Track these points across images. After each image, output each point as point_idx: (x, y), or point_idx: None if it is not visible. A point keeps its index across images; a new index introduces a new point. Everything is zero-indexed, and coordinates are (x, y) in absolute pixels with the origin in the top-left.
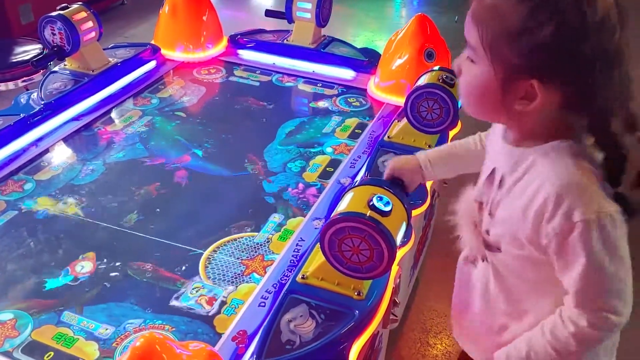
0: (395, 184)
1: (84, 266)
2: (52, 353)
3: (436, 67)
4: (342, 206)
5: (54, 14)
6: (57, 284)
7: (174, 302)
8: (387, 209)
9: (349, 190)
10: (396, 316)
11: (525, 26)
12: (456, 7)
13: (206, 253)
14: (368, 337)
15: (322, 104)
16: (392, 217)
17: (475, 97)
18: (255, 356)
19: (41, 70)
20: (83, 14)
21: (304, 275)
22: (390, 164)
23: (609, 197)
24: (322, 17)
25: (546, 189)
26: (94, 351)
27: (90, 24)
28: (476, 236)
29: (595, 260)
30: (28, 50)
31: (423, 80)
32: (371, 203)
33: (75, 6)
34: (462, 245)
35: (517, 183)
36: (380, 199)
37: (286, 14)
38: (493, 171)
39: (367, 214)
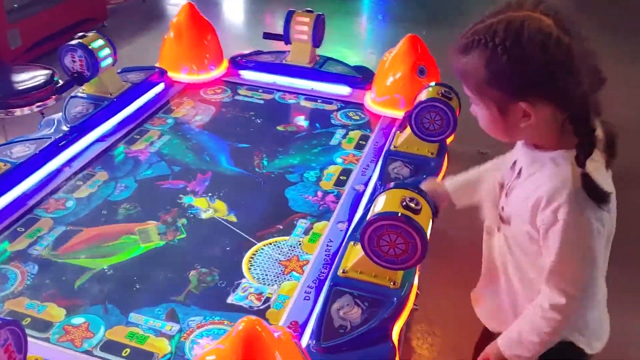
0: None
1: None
2: (129, 350)
3: (433, 83)
4: (378, 207)
5: (74, 42)
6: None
7: (227, 301)
8: (418, 207)
9: (381, 193)
10: (416, 305)
11: (491, 71)
12: (422, 22)
13: (247, 257)
14: (404, 319)
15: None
16: (422, 215)
17: (490, 129)
18: (314, 341)
19: (54, 97)
20: (100, 42)
21: (344, 269)
22: (423, 187)
23: (594, 202)
24: (317, 38)
25: (546, 187)
26: (166, 346)
27: (107, 50)
28: (494, 210)
29: (565, 251)
30: (37, 76)
31: (424, 95)
32: (404, 203)
33: (91, 34)
34: (483, 217)
35: (530, 177)
36: (411, 199)
37: (284, 36)
38: (515, 163)
39: (402, 213)
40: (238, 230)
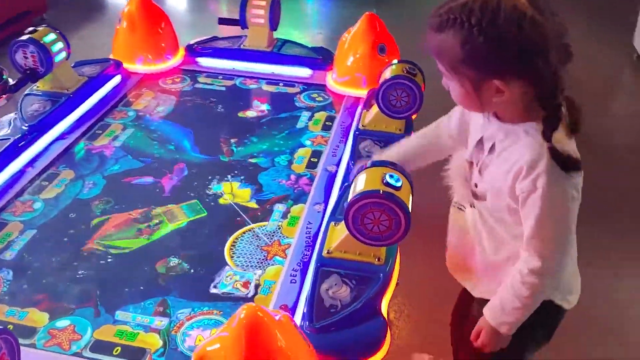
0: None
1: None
2: (119, 348)
3: (395, 61)
4: (360, 186)
5: (24, 37)
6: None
7: (213, 290)
8: (399, 184)
9: (360, 173)
10: (398, 281)
11: (466, 51)
12: (369, 1)
13: (228, 245)
14: (391, 293)
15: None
16: (403, 190)
17: (463, 104)
18: (307, 322)
19: (4, 96)
20: (53, 36)
21: (328, 250)
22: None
23: (566, 171)
24: (274, 21)
25: (525, 158)
26: (157, 341)
27: (60, 44)
28: (465, 188)
29: (543, 217)
30: None
31: (389, 73)
32: (385, 181)
33: (42, 28)
34: (453, 194)
35: (504, 151)
36: (392, 176)
37: (240, 21)
38: (481, 139)
39: (384, 190)
40: (214, 219)
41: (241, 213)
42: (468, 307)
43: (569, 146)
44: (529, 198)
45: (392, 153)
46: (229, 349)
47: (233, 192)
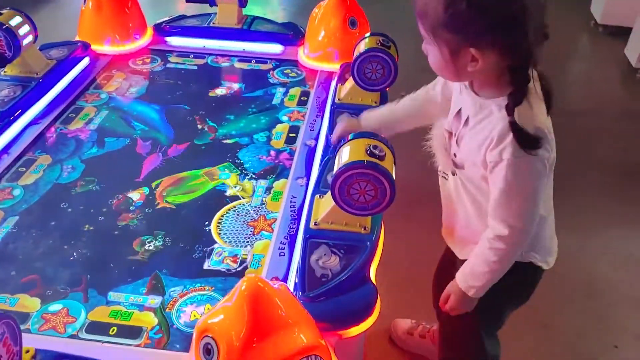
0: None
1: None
2: (115, 328)
3: (368, 34)
4: (344, 158)
5: None
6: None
7: (204, 267)
8: (382, 154)
9: (344, 145)
10: None
11: (449, 15)
12: None
13: (214, 222)
14: (377, 260)
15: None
16: (387, 160)
17: (439, 70)
18: (300, 292)
19: None
20: (18, 19)
21: (315, 222)
22: (340, 125)
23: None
24: None
25: (494, 132)
26: (152, 319)
27: (27, 27)
28: (446, 157)
29: (508, 188)
30: None
31: (363, 46)
32: (369, 151)
33: (6, 11)
34: (436, 163)
35: (478, 124)
36: (375, 147)
37: None
38: (459, 111)
39: (368, 160)
40: (199, 198)
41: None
42: (450, 268)
43: (543, 122)
44: (495, 167)
45: (376, 114)
46: (232, 319)
47: (214, 176)
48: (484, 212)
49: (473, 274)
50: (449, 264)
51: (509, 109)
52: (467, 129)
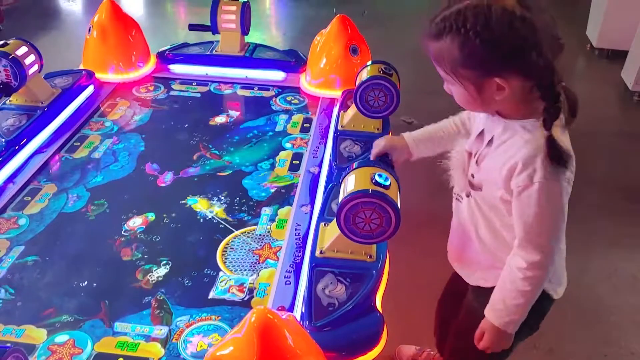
0: (384, 161)
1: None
2: (122, 359)
3: (370, 62)
4: (350, 187)
5: None
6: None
7: (209, 297)
8: (388, 183)
9: (349, 173)
10: None
11: (465, 54)
12: (330, 0)
13: (219, 250)
14: (383, 288)
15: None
16: (392, 189)
17: (467, 105)
18: (307, 322)
19: None
20: (24, 48)
21: (321, 250)
22: (382, 142)
23: (560, 165)
24: (245, 25)
25: (521, 153)
26: (159, 350)
27: (32, 57)
28: (463, 178)
29: (542, 211)
30: None
31: (365, 73)
32: (374, 180)
33: (13, 41)
34: (452, 183)
35: (502, 144)
36: (380, 175)
37: (211, 26)
38: (482, 132)
39: (373, 189)
40: (204, 225)
41: (225, 224)
42: (456, 296)
43: (563, 141)
44: (524, 192)
45: (419, 133)
46: (242, 351)
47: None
48: (498, 235)
49: (508, 309)
50: (455, 292)
51: (547, 125)
52: (490, 149)
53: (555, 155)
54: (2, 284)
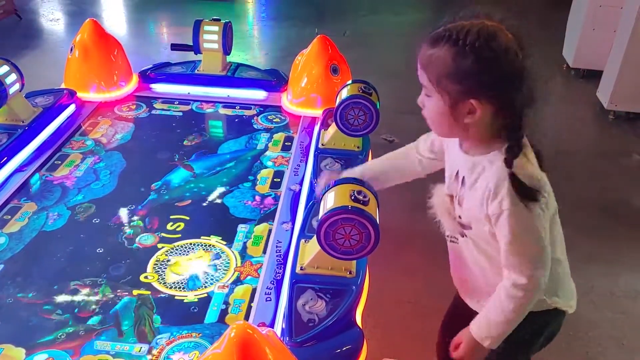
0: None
1: (93, 297)
2: None
3: (350, 81)
4: (330, 203)
5: None
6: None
7: (189, 313)
8: (366, 199)
9: (329, 190)
10: None
11: (455, 66)
12: (311, 20)
13: (200, 267)
14: (363, 304)
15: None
16: (371, 205)
17: (436, 121)
18: (287, 338)
19: None
20: (6, 67)
21: (301, 267)
22: (326, 178)
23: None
24: (227, 45)
25: (489, 185)
26: None
27: (14, 76)
28: (452, 220)
29: (515, 236)
30: None
31: (345, 92)
32: (353, 197)
33: None
34: (443, 229)
35: (475, 183)
36: (359, 192)
37: (193, 46)
38: (457, 173)
39: (353, 206)
40: (186, 242)
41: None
42: (462, 317)
43: (537, 172)
44: (498, 220)
45: (356, 171)
46: None
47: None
48: (499, 265)
49: (489, 325)
50: (461, 313)
51: (508, 162)
52: (465, 188)
53: (520, 192)
54: None
